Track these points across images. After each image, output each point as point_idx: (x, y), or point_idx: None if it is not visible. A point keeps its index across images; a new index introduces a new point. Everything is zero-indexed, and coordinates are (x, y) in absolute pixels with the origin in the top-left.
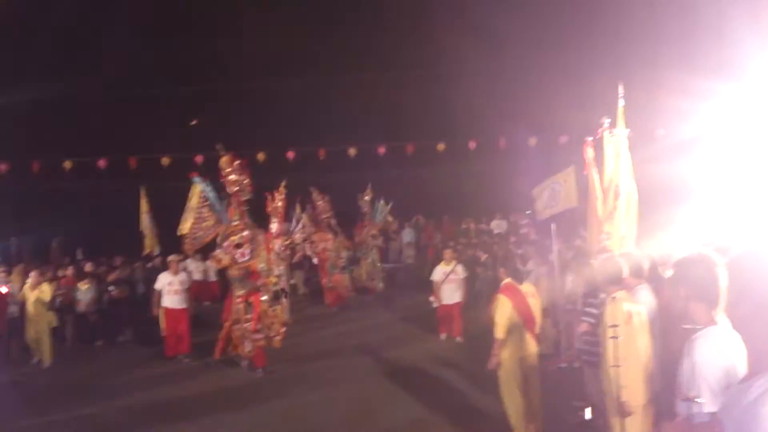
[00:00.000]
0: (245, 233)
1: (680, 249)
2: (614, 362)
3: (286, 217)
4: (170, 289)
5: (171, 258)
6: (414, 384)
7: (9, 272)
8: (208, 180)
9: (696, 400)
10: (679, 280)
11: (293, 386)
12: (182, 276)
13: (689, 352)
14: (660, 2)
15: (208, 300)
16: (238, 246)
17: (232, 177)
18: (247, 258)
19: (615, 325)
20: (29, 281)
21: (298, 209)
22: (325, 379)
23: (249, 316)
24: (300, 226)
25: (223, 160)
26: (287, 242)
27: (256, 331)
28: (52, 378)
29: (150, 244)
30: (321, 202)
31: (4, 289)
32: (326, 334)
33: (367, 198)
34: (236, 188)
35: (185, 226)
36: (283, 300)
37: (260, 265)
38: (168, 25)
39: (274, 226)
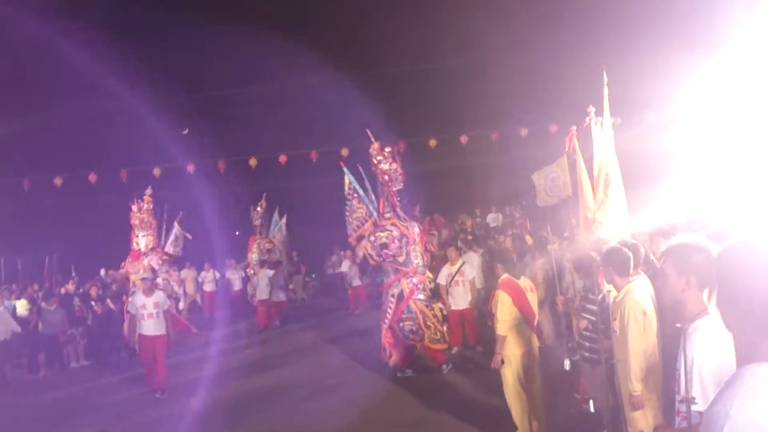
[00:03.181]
0: (394, 232)
1: (671, 234)
2: (624, 356)
3: None
4: (143, 313)
5: (143, 275)
6: (418, 385)
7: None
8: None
9: (694, 400)
10: (680, 267)
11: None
12: (158, 297)
13: (686, 346)
14: None
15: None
16: (384, 246)
17: (383, 166)
18: (391, 258)
19: (614, 319)
20: None
21: None
22: (326, 385)
23: (406, 316)
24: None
25: (373, 147)
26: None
27: (411, 332)
28: None
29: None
30: None
31: None
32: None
33: (259, 209)
34: (387, 177)
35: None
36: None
37: (415, 261)
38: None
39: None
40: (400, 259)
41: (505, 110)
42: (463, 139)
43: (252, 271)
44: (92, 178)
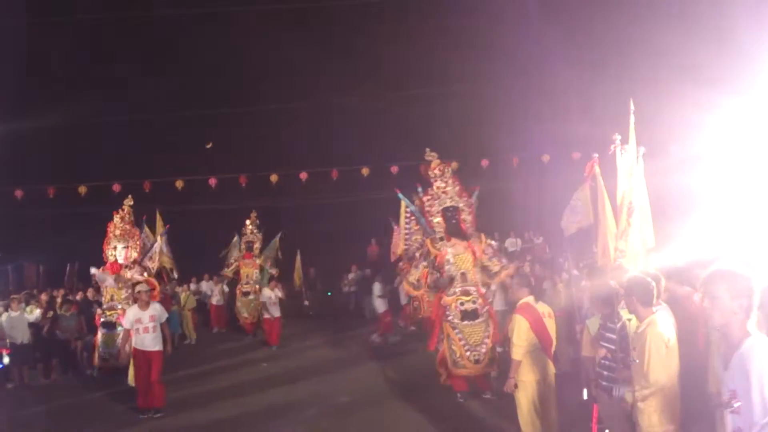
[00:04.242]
0: (442, 250)
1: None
2: (648, 387)
3: None
4: (139, 327)
5: (139, 288)
6: (433, 409)
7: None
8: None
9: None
10: (734, 292)
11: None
12: (154, 310)
13: (746, 364)
14: (667, 15)
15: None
16: (435, 268)
17: (439, 184)
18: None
19: (634, 348)
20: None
21: None
22: (338, 403)
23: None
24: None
25: (432, 167)
26: None
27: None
28: None
29: (172, 268)
30: None
31: None
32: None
33: (251, 226)
34: (443, 196)
35: (399, 245)
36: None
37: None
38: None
39: None
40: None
41: (527, 136)
42: (484, 163)
43: (249, 289)
44: (116, 188)
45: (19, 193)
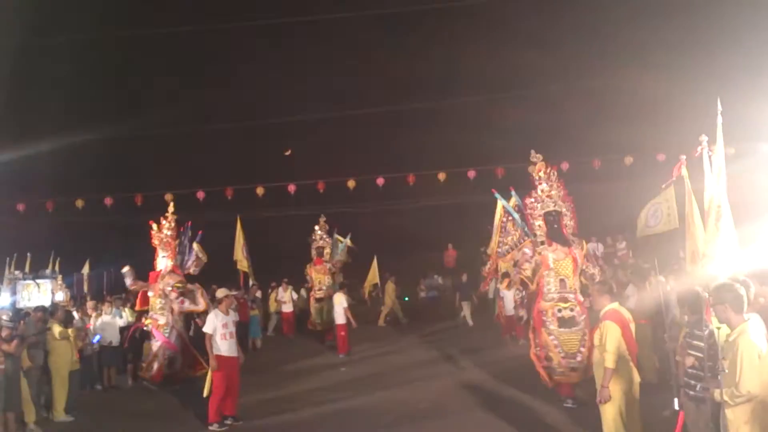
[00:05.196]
0: (543, 254)
1: None
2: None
3: None
4: (225, 332)
5: (220, 292)
6: (512, 416)
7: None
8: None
9: None
10: None
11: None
12: (234, 316)
13: None
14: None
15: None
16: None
17: (543, 187)
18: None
19: (724, 358)
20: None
21: None
22: (417, 409)
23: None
24: None
25: (536, 169)
26: None
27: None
28: None
29: (249, 273)
30: None
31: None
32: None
33: (320, 231)
34: (547, 200)
35: (492, 243)
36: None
37: (545, 287)
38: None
39: None
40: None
41: (611, 137)
42: (564, 166)
43: (321, 296)
44: (200, 195)
45: (108, 201)
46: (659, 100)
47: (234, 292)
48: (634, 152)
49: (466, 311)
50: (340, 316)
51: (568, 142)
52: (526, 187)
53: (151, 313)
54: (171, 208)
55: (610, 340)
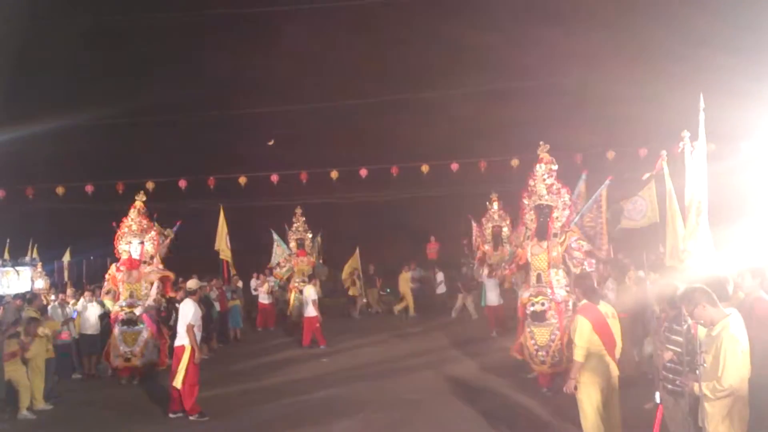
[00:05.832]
0: (524, 249)
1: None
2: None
3: None
4: (199, 324)
5: (193, 283)
6: (491, 407)
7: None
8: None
9: None
10: None
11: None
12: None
13: None
14: (738, 8)
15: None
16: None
17: (530, 182)
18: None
19: (704, 352)
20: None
21: None
22: (404, 400)
23: None
24: None
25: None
26: None
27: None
28: None
29: (231, 263)
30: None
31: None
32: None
33: (297, 223)
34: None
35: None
36: None
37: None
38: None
39: None
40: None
41: (593, 132)
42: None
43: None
44: (182, 183)
45: (89, 188)
46: (641, 95)
47: (204, 283)
48: (615, 146)
49: (469, 303)
50: (310, 309)
51: (550, 136)
52: (506, 181)
53: (132, 301)
54: (141, 197)
55: (579, 334)
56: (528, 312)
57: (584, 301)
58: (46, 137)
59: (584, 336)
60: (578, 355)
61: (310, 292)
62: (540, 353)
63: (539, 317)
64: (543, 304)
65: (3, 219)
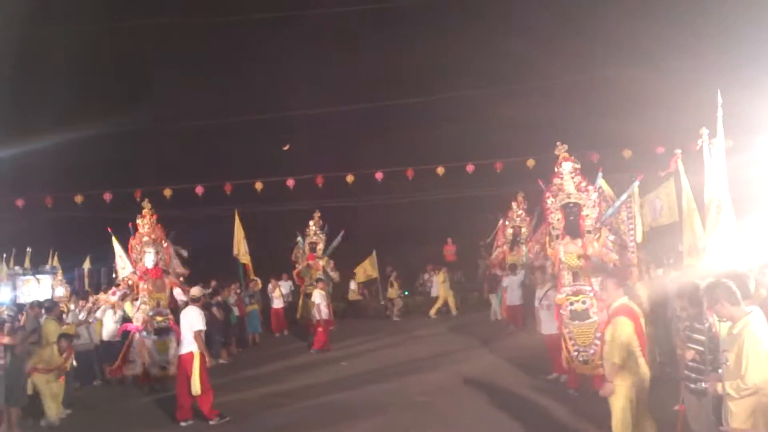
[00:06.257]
0: (555, 248)
1: None
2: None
3: None
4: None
5: (196, 291)
6: (512, 408)
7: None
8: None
9: None
10: None
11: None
12: None
13: None
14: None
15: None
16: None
17: (556, 180)
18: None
19: (726, 350)
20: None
21: None
22: (415, 403)
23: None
24: None
25: (559, 161)
26: None
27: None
28: None
29: (250, 268)
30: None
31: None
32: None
33: (314, 227)
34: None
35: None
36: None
37: None
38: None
39: None
40: None
41: (609, 130)
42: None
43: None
44: (199, 190)
45: (107, 196)
46: (658, 92)
47: (207, 291)
48: (632, 145)
49: (494, 304)
50: (317, 312)
51: (566, 135)
52: (522, 180)
53: (160, 309)
54: (147, 204)
55: (624, 335)
56: (564, 312)
57: (619, 301)
58: (65, 147)
59: (626, 337)
60: (617, 357)
61: (316, 296)
62: (582, 353)
63: (581, 316)
64: (584, 302)
65: (23, 228)
